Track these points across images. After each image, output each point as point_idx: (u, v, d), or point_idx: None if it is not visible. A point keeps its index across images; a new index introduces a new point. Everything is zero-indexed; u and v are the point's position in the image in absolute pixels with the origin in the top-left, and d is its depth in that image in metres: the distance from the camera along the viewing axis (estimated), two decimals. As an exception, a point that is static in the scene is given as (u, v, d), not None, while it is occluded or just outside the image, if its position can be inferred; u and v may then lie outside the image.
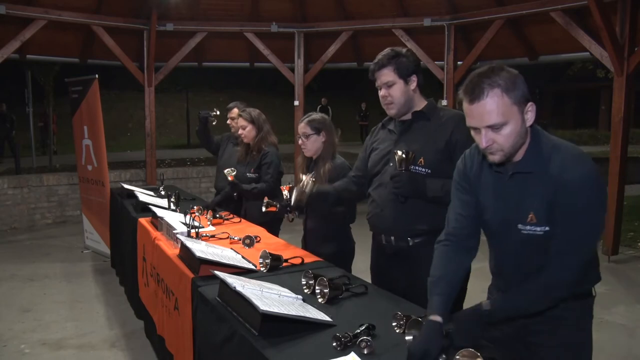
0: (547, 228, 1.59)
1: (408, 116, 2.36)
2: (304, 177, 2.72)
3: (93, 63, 8.47)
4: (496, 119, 1.53)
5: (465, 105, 1.59)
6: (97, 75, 5.79)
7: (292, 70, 8.21)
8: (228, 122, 4.38)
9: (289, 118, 8.31)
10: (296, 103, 8.18)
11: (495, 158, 1.61)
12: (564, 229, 1.55)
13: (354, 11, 7.97)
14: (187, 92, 21.12)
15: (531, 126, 1.61)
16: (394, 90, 2.29)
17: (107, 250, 5.57)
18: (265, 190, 3.61)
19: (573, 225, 1.54)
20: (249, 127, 3.82)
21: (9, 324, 4.11)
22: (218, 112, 4.44)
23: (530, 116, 1.58)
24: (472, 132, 1.62)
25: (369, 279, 2.27)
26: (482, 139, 1.57)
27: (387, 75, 2.29)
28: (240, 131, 3.86)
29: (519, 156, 1.63)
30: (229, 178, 3.64)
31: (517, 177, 1.64)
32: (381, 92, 2.33)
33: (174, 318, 2.58)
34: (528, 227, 1.62)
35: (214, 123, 4.48)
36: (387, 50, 2.33)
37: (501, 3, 6.88)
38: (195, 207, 3.40)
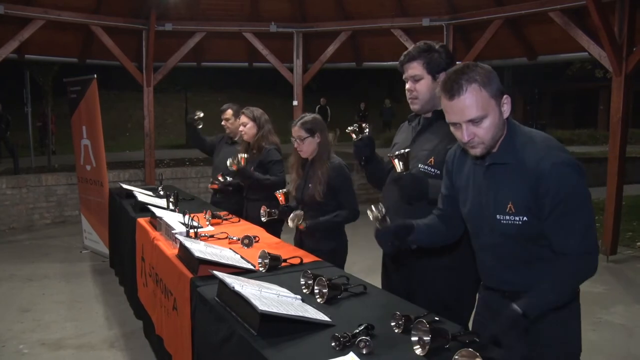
0: (525, 218, 1.62)
1: (430, 114, 2.30)
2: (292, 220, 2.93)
3: (92, 63, 8.46)
4: (476, 113, 1.58)
5: (444, 102, 1.63)
6: (95, 75, 5.78)
7: (291, 70, 8.22)
8: (222, 123, 4.37)
9: (288, 118, 8.29)
10: (295, 103, 8.18)
11: (477, 151, 1.66)
12: (559, 217, 1.57)
13: (353, 11, 7.97)
14: (186, 92, 21.10)
15: (507, 119, 1.66)
16: (420, 86, 2.23)
17: (106, 250, 5.57)
18: (278, 183, 3.63)
19: (565, 211, 1.57)
20: (250, 125, 3.82)
21: (8, 324, 4.11)
22: (201, 114, 4.37)
23: (506, 108, 1.64)
24: (452, 129, 1.67)
25: (369, 279, 2.27)
26: (464, 134, 1.62)
27: (415, 68, 2.22)
28: (241, 128, 3.85)
29: (495, 148, 1.67)
30: (233, 168, 3.55)
31: (493, 168, 1.69)
32: (407, 85, 2.27)
33: (173, 318, 2.58)
34: (507, 217, 1.65)
35: (199, 126, 4.43)
36: (420, 43, 2.26)
37: (500, 3, 6.89)
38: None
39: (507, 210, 1.64)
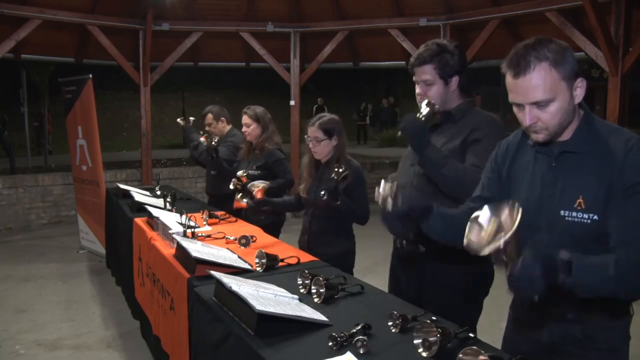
0: (595, 217, 1.41)
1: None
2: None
3: (89, 63, 8.43)
4: (542, 95, 1.41)
5: (508, 79, 1.45)
6: (91, 75, 5.76)
7: (288, 70, 8.21)
8: (206, 128, 4.36)
9: (286, 118, 8.33)
10: (292, 103, 8.18)
11: (539, 137, 1.48)
12: (634, 203, 1.37)
13: (349, 11, 7.97)
14: (183, 92, 21.10)
15: (580, 105, 1.49)
16: (432, 91, 2.12)
17: (103, 251, 5.56)
18: (289, 182, 3.65)
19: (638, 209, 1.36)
20: (253, 126, 3.75)
21: (4, 324, 4.10)
22: (182, 120, 4.46)
23: (579, 92, 1.46)
24: (515, 109, 1.48)
25: (366, 278, 2.27)
26: (526, 117, 1.44)
27: (427, 73, 2.11)
28: (244, 129, 3.81)
29: (566, 135, 1.49)
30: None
31: (565, 157, 1.49)
32: (417, 90, 2.16)
33: (170, 318, 2.57)
34: (574, 214, 1.43)
35: (189, 125, 4.47)
36: (432, 45, 2.13)
37: (496, 3, 6.90)
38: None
39: (576, 206, 1.43)
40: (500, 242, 1.21)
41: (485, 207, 1.30)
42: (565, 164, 1.49)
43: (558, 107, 1.42)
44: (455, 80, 2.14)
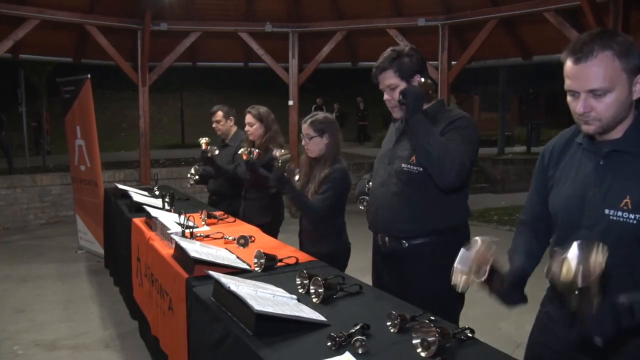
0: None
1: None
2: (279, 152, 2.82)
3: (87, 63, 8.43)
4: (601, 84, 1.37)
5: (568, 65, 1.41)
6: (89, 75, 5.75)
7: (287, 70, 8.22)
8: (213, 125, 4.34)
9: (284, 118, 8.33)
10: (290, 103, 8.18)
11: (589, 129, 1.44)
12: None
13: (348, 11, 7.98)
14: (182, 92, 21.07)
15: (636, 103, 1.44)
16: (397, 94, 2.22)
17: (101, 251, 5.55)
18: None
19: None
20: (256, 125, 3.73)
21: (2, 325, 4.09)
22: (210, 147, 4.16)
23: (639, 88, 1.41)
24: (569, 99, 1.45)
25: (364, 279, 2.27)
26: (580, 104, 1.40)
27: (389, 78, 2.22)
28: (247, 128, 3.79)
29: (618, 133, 1.45)
30: (244, 157, 3.42)
31: (614, 156, 1.46)
32: (385, 96, 2.28)
33: (169, 318, 2.57)
34: (620, 214, 1.41)
35: (216, 152, 4.14)
36: (388, 52, 2.25)
37: (495, 3, 6.92)
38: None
39: (622, 206, 1.40)
40: (591, 280, 1.19)
41: (574, 245, 1.26)
42: (614, 163, 1.46)
43: (615, 99, 1.39)
44: (417, 79, 2.25)
